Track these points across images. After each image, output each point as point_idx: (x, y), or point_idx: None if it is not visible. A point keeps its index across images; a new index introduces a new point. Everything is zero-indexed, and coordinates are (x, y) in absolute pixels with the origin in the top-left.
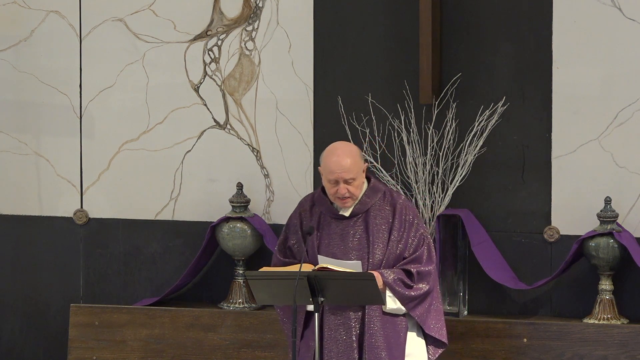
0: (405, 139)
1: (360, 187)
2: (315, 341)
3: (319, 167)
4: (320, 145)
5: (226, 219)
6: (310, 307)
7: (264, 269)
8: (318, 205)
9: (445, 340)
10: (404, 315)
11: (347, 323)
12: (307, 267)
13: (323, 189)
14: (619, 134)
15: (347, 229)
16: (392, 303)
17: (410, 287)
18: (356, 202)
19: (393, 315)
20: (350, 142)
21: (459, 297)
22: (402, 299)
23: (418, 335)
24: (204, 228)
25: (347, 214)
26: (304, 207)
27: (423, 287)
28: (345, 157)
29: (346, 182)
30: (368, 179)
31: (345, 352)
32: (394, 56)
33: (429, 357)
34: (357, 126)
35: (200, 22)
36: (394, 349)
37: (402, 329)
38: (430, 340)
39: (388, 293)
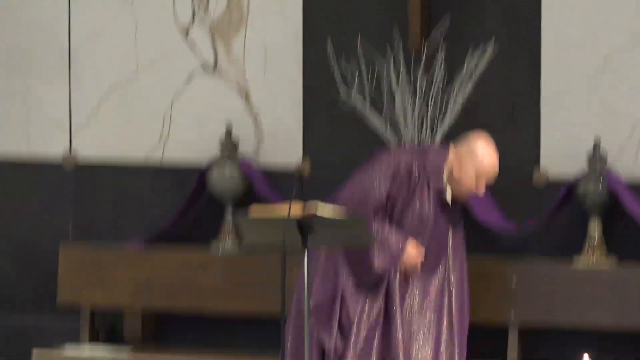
0: (394, 81)
1: None
2: (305, 285)
3: (461, 150)
4: (309, 88)
5: (215, 162)
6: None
7: (254, 206)
8: (430, 179)
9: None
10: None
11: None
12: (297, 206)
13: (441, 166)
14: (608, 76)
15: (447, 216)
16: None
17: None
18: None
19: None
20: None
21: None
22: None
23: None
24: (193, 171)
25: (450, 201)
26: (411, 168)
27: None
28: (496, 161)
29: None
30: None
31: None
32: None
33: None
34: (346, 68)
35: None
36: None
37: None
38: None
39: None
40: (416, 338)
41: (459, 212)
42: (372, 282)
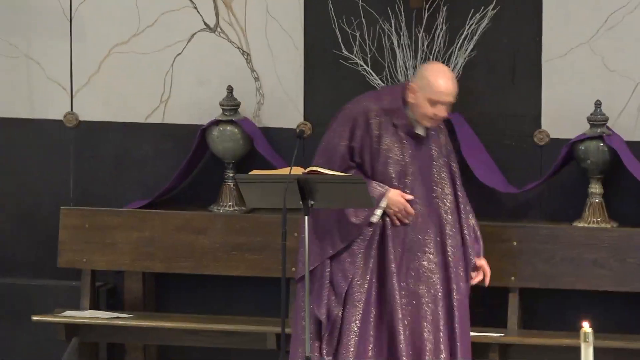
0: (395, 42)
1: None
2: (305, 247)
3: (413, 84)
4: (310, 48)
5: (216, 122)
6: (374, 219)
7: (255, 171)
8: (393, 117)
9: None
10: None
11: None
12: (297, 170)
13: (403, 102)
14: (609, 37)
15: (423, 147)
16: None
17: None
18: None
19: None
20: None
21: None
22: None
23: None
24: (194, 131)
25: (422, 133)
26: (374, 113)
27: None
28: (452, 82)
29: (448, 105)
30: None
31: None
32: None
33: None
34: (348, 29)
35: None
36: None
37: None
38: None
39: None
40: (415, 296)
41: (445, 148)
42: (360, 242)
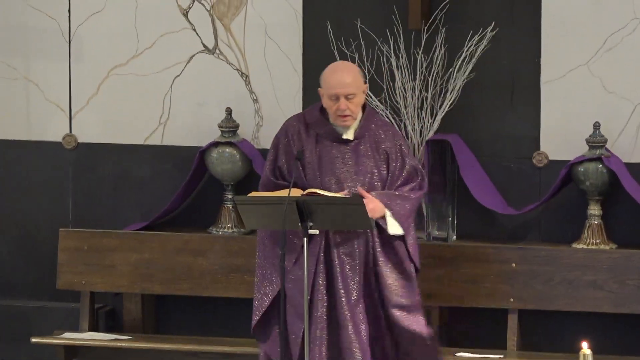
0: (394, 64)
1: (359, 106)
2: (305, 266)
3: (319, 89)
4: (309, 70)
5: (215, 144)
6: (314, 230)
7: (253, 193)
8: (315, 128)
9: (418, 265)
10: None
11: (352, 252)
12: (296, 192)
13: (321, 111)
14: (608, 58)
15: (349, 153)
16: (393, 224)
17: (405, 198)
18: (354, 125)
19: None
20: (345, 61)
21: (447, 222)
22: (399, 212)
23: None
24: (193, 153)
25: (350, 136)
26: (294, 128)
27: (415, 195)
28: (346, 73)
29: (347, 98)
30: (363, 105)
31: (351, 276)
32: None
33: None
34: (346, 51)
35: None
36: (398, 269)
37: (403, 253)
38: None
39: (388, 214)
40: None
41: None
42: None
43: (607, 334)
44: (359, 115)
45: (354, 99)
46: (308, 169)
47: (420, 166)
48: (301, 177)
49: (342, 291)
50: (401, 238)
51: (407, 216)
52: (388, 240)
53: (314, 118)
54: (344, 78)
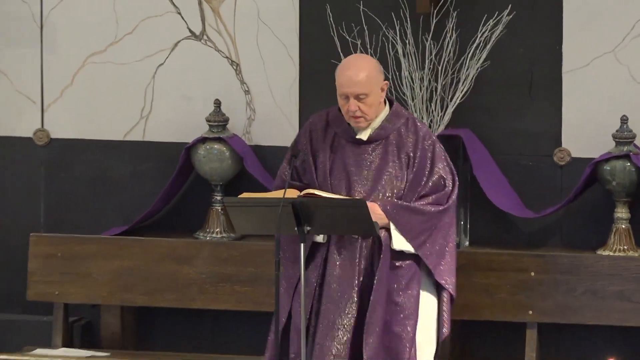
0: (400, 51)
1: (375, 106)
2: (301, 272)
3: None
4: (306, 58)
5: (202, 140)
6: (319, 238)
7: (244, 195)
8: (333, 126)
9: (454, 294)
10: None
11: (351, 260)
12: (292, 193)
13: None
14: (636, 45)
15: (364, 155)
16: (399, 237)
17: (417, 211)
18: (374, 125)
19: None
20: (363, 54)
21: (459, 226)
22: (407, 226)
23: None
24: (178, 150)
25: (364, 137)
26: (315, 126)
27: (431, 209)
28: (359, 70)
29: (357, 98)
30: (390, 102)
31: (346, 290)
32: None
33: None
34: (348, 37)
35: None
36: (398, 298)
37: (411, 277)
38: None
39: (393, 226)
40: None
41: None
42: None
43: (636, 349)
44: (383, 113)
45: (366, 99)
46: (320, 170)
47: (453, 179)
48: (313, 179)
49: (338, 321)
50: (416, 257)
51: (419, 232)
52: (395, 261)
53: (333, 115)
54: (355, 76)
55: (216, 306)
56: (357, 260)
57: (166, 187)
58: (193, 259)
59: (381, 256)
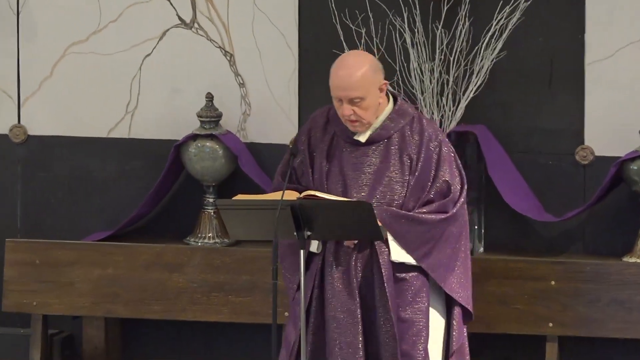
0: (408, 40)
1: (373, 109)
2: (301, 281)
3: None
4: (306, 48)
5: (193, 137)
6: (314, 248)
7: (239, 196)
8: (333, 124)
9: (471, 309)
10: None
11: (348, 273)
12: (291, 195)
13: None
14: None
15: (363, 158)
16: (397, 249)
17: (417, 220)
18: (375, 124)
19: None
20: (360, 50)
21: (473, 230)
22: (406, 236)
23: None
24: (167, 148)
25: (363, 139)
26: (316, 123)
27: (433, 218)
28: (353, 71)
29: (351, 102)
30: (394, 98)
31: (346, 305)
32: None
33: (452, 333)
34: (351, 25)
35: None
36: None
37: (417, 289)
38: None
39: (390, 237)
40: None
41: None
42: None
43: None
44: (385, 111)
45: (361, 102)
46: (317, 172)
47: (461, 182)
48: (310, 182)
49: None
50: (420, 270)
51: (421, 243)
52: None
53: (334, 112)
54: (348, 78)
55: (208, 318)
56: (354, 272)
57: (154, 188)
58: (183, 267)
59: (382, 270)
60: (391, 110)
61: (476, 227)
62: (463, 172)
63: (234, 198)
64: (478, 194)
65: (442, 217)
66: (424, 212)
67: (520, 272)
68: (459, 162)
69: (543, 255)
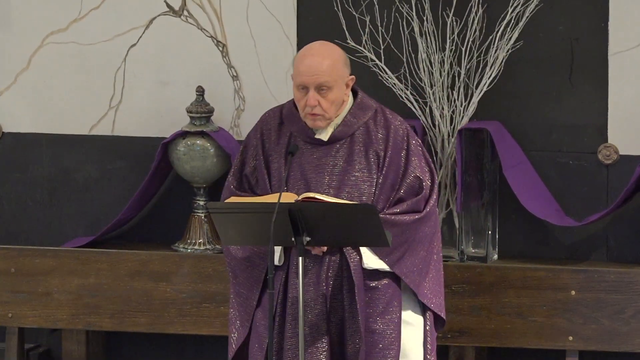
0: (417, 29)
1: (337, 104)
2: (300, 291)
3: (291, 74)
4: (305, 37)
5: (182, 134)
6: (276, 259)
7: (232, 199)
8: (288, 124)
9: (444, 316)
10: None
11: (317, 285)
12: (289, 197)
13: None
14: None
15: (325, 158)
16: (369, 255)
17: (388, 223)
18: (336, 121)
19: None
20: (328, 42)
21: (486, 236)
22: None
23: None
24: (154, 146)
25: (325, 137)
26: (267, 125)
27: (407, 219)
28: (323, 58)
29: (319, 89)
30: (354, 93)
31: (313, 320)
32: None
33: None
34: (355, 13)
35: None
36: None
37: (389, 299)
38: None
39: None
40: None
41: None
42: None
43: None
44: (346, 108)
45: (328, 93)
46: (274, 177)
47: (431, 178)
48: (266, 188)
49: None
50: (395, 277)
51: (394, 247)
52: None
53: (288, 111)
54: (318, 64)
55: (199, 331)
56: (324, 284)
57: (139, 190)
58: (171, 276)
59: (354, 279)
60: (352, 104)
61: (490, 232)
62: (432, 166)
63: (226, 201)
64: (492, 197)
65: (416, 217)
66: (396, 213)
67: (538, 281)
68: (427, 155)
69: (563, 263)
